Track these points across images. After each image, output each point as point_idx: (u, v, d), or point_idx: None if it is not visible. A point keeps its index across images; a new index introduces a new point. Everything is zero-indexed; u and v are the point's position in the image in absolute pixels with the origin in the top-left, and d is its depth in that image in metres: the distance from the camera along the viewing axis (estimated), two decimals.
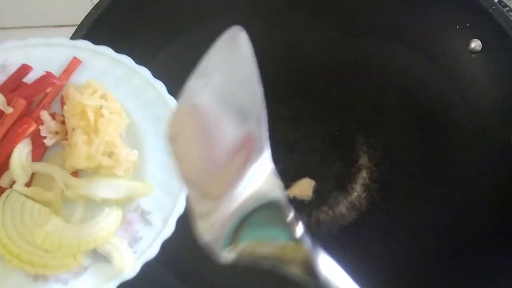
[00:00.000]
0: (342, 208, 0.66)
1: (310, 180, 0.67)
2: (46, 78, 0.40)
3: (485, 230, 0.51)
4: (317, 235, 0.64)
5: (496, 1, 0.49)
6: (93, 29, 0.49)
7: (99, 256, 0.36)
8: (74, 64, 0.41)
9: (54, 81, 0.40)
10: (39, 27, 0.80)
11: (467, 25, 0.51)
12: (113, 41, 0.49)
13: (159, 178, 0.39)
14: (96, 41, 0.49)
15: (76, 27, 0.49)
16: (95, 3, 0.50)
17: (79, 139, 0.37)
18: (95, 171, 0.38)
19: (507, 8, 0.66)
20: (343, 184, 0.67)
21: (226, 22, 0.63)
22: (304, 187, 0.66)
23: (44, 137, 0.39)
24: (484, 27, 0.50)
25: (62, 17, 0.79)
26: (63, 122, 0.40)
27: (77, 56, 0.41)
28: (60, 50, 0.42)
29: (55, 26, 0.80)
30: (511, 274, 0.46)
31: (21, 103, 0.38)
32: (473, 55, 0.52)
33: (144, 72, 0.42)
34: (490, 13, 0.48)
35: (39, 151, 0.39)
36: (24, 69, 0.40)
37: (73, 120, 0.38)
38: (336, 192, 0.66)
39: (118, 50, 0.44)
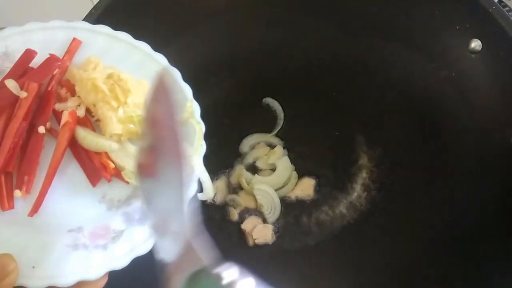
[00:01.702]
0: (342, 208, 0.66)
1: (311, 180, 0.67)
2: (51, 60, 0.40)
3: (485, 230, 0.51)
4: (317, 235, 0.64)
5: (496, 1, 0.49)
6: None
7: (132, 220, 0.37)
8: (74, 44, 0.42)
9: (59, 63, 0.40)
10: None
11: (467, 25, 0.51)
12: None
13: None
14: None
15: None
16: (95, 3, 0.50)
17: (104, 109, 0.38)
18: (133, 135, 0.40)
19: (507, 8, 0.66)
20: (343, 184, 0.67)
21: (226, 22, 0.64)
22: (305, 187, 0.67)
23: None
24: (484, 27, 0.50)
25: (62, 17, 0.78)
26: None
27: (76, 37, 0.42)
28: (59, 32, 0.42)
29: None
30: (511, 274, 0.46)
31: (34, 86, 0.39)
32: (473, 55, 0.52)
33: (144, 46, 0.43)
34: (490, 13, 0.48)
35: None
36: (29, 54, 0.41)
37: (90, 97, 0.39)
38: (336, 192, 0.66)
39: None
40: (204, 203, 0.65)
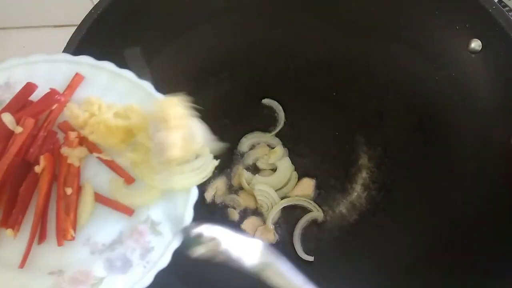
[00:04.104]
0: (342, 208, 0.66)
1: (311, 180, 0.67)
2: (51, 95, 0.40)
3: (485, 230, 0.51)
4: (317, 235, 0.64)
5: (496, 1, 0.49)
6: (93, 29, 0.49)
7: (114, 268, 0.37)
8: (77, 79, 0.41)
9: (59, 97, 0.40)
10: (39, 27, 0.80)
11: (467, 25, 0.51)
12: (113, 41, 0.49)
13: (166, 188, 0.39)
14: (95, 41, 0.49)
15: (76, 27, 0.49)
16: (95, 3, 0.50)
17: (146, 143, 0.38)
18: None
19: (507, 8, 0.66)
20: (343, 184, 0.67)
21: (226, 22, 0.64)
22: (305, 187, 0.67)
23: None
24: (484, 27, 0.50)
25: (62, 17, 0.79)
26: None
27: (79, 72, 0.41)
28: (62, 66, 0.42)
29: (55, 26, 0.80)
30: (511, 274, 0.46)
31: (30, 122, 0.38)
32: (473, 55, 0.52)
33: (146, 85, 0.42)
34: (490, 13, 0.48)
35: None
36: (30, 87, 0.40)
37: (109, 140, 0.38)
38: (336, 192, 0.66)
39: (118, 50, 0.44)
40: (204, 203, 0.65)
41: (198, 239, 0.30)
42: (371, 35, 0.60)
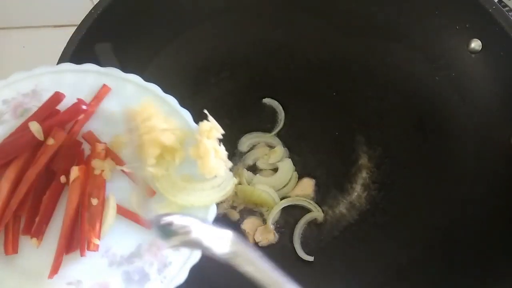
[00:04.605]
0: (342, 208, 0.66)
1: (311, 180, 0.67)
2: (78, 105, 0.40)
3: (485, 230, 0.51)
4: (318, 235, 0.64)
5: (496, 1, 0.49)
6: (93, 29, 0.49)
7: (131, 281, 0.37)
8: (103, 91, 0.42)
9: (85, 107, 0.40)
10: (39, 27, 0.80)
11: (467, 25, 0.51)
12: (113, 41, 0.49)
13: (186, 204, 0.40)
14: (95, 41, 0.49)
15: (76, 27, 0.49)
16: (95, 3, 0.50)
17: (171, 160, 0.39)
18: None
19: (507, 8, 0.66)
20: (343, 184, 0.67)
21: (226, 22, 0.64)
22: (305, 187, 0.66)
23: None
24: (484, 27, 0.50)
25: (62, 17, 0.79)
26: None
27: (105, 83, 0.42)
28: (90, 76, 0.42)
29: (55, 26, 0.80)
30: (511, 274, 0.46)
31: (61, 135, 0.39)
32: (473, 55, 0.52)
33: (171, 100, 0.42)
34: (490, 13, 0.48)
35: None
36: (57, 97, 0.40)
37: (152, 151, 0.38)
38: (336, 192, 0.66)
39: (118, 50, 0.44)
40: None
41: (169, 228, 0.31)
42: (371, 35, 0.60)
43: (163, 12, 0.56)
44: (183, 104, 0.42)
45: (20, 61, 0.78)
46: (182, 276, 0.37)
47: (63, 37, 0.47)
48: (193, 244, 0.31)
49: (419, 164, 0.61)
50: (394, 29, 0.57)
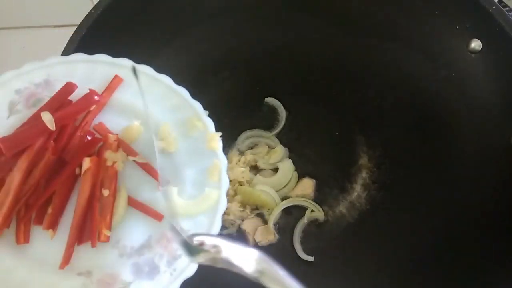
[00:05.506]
0: (342, 208, 0.66)
1: (311, 180, 0.67)
2: (90, 96, 0.40)
3: (485, 230, 0.51)
4: (318, 235, 0.64)
5: (496, 1, 0.49)
6: (93, 29, 0.49)
7: (141, 273, 0.37)
8: (115, 82, 0.41)
9: (97, 98, 0.40)
10: (39, 27, 0.80)
11: (467, 25, 0.51)
12: (113, 41, 0.49)
13: (196, 196, 0.39)
14: (95, 41, 0.49)
15: (76, 27, 0.49)
16: (95, 3, 0.50)
17: None
18: None
19: (507, 8, 0.66)
20: (343, 184, 0.67)
21: (226, 22, 0.64)
22: (305, 187, 0.66)
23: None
24: (484, 27, 0.50)
25: (62, 17, 0.79)
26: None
27: (117, 74, 0.42)
28: (102, 67, 0.42)
29: (55, 26, 0.80)
30: (511, 274, 0.46)
31: (73, 126, 0.39)
32: (473, 55, 0.52)
33: (183, 91, 0.42)
34: (490, 13, 0.48)
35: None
36: (69, 87, 0.40)
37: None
38: (336, 192, 0.66)
39: (118, 49, 0.44)
40: None
41: (200, 247, 0.31)
42: (371, 35, 0.60)
43: (163, 12, 0.56)
44: None
45: (20, 61, 0.77)
46: (192, 269, 0.37)
47: (63, 37, 0.47)
48: (221, 262, 0.31)
49: (419, 164, 0.61)
50: (394, 29, 0.57)
